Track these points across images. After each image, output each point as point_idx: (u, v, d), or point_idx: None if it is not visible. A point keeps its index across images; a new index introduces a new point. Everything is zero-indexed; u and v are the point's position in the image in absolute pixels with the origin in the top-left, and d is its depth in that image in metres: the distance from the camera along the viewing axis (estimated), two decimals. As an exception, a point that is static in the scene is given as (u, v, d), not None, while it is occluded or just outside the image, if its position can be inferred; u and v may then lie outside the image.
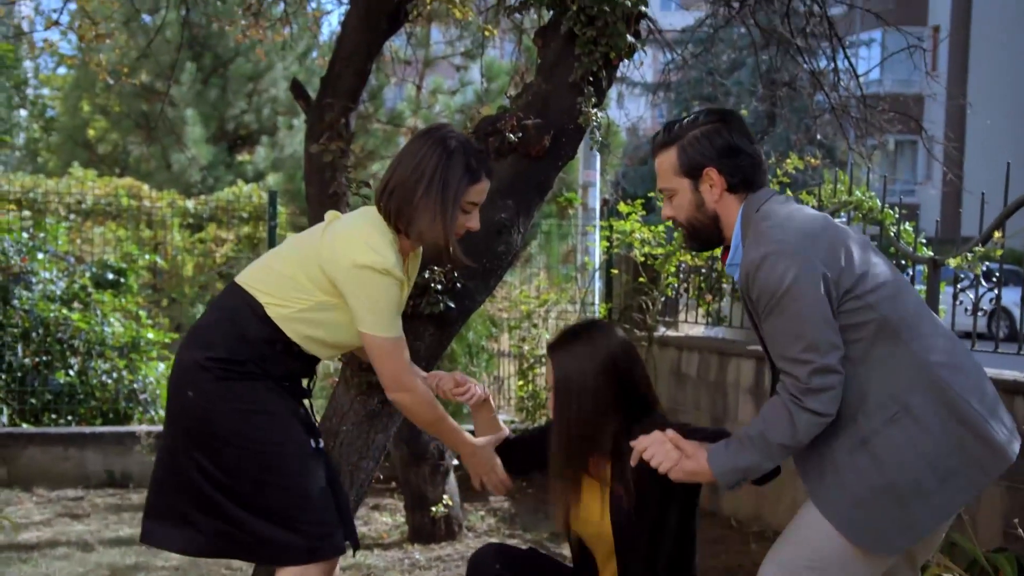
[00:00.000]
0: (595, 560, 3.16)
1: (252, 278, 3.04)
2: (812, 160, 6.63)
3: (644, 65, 8.72)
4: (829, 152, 19.46)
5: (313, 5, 12.38)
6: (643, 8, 3.97)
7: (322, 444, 3.11)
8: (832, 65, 6.01)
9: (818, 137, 7.80)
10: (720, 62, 22.93)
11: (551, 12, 4.06)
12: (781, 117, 11.70)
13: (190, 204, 12.30)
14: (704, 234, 2.83)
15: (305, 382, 3.18)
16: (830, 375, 2.56)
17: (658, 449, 2.68)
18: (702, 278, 6.77)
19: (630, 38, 3.91)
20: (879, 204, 5.61)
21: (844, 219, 5.56)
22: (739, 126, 2.80)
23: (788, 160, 6.36)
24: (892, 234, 5.51)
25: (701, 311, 7.00)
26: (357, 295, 2.93)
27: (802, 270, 2.56)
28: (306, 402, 3.17)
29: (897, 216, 5.57)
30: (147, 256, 10.64)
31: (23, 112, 23.10)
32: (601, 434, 2.99)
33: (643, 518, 2.98)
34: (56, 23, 7.63)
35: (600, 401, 2.98)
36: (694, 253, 6.38)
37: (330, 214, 3.14)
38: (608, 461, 3.04)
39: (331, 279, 2.96)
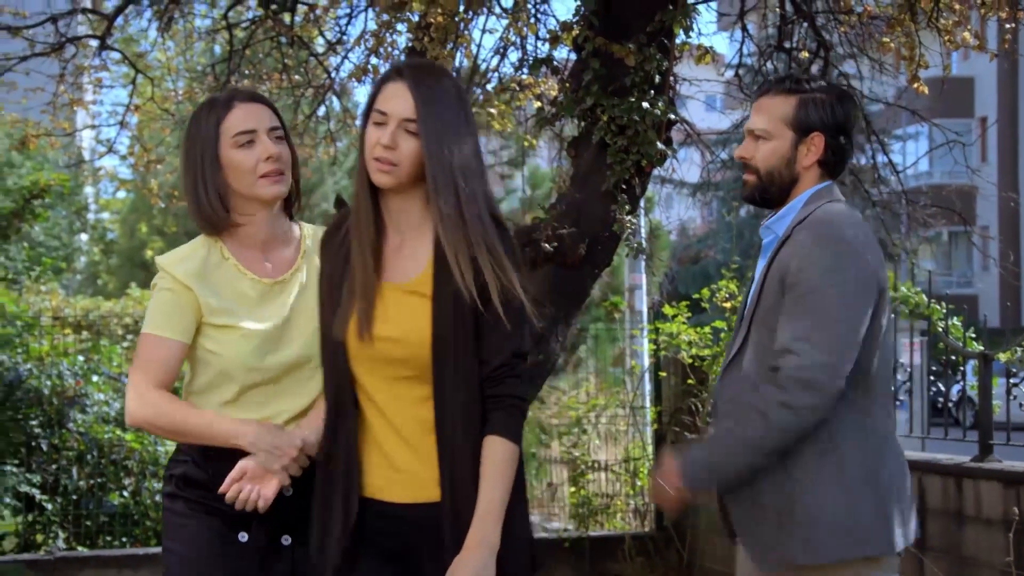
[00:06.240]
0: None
1: None
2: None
3: (693, 165, 8.79)
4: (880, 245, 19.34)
5: (360, 122, 12.66)
6: (672, 116, 4.03)
7: None
8: (871, 162, 6.02)
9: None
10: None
11: (583, 123, 4.13)
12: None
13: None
14: (773, 190, 2.72)
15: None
16: (836, 384, 2.48)
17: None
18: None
19: (661, 145, 3.95)
20: (925, 299, 5.55)
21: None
22: (856, 112, 2.77)
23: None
24: (940, 329, 5.44)
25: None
26: None
27: (864, 273, 2.55)
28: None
29: (945, 311, 5.50)
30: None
31: (84, 236, 23.71)
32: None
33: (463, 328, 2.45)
34: (111, 150, 7.90)
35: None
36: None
37: None
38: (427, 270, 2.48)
39: None
